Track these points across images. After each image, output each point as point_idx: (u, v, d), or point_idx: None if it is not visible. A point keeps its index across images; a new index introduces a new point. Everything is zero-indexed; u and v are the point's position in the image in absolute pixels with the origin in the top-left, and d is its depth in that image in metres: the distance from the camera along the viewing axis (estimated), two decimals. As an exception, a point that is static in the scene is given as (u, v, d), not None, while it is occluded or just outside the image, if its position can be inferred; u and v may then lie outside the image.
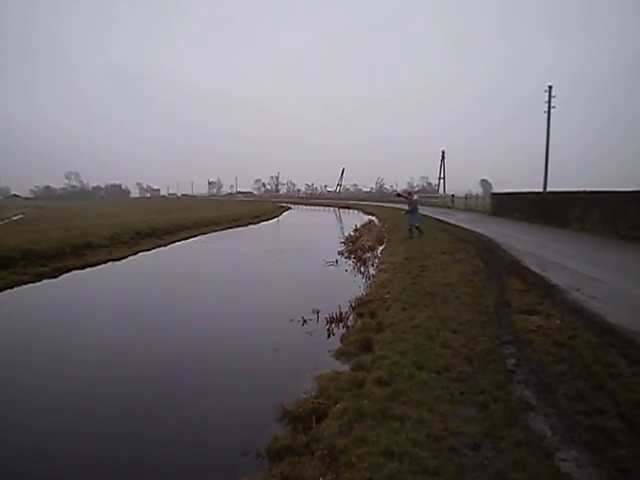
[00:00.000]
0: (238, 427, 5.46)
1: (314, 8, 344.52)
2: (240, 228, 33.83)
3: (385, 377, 5.43)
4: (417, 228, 19.80)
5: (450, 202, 50.55)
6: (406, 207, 20.71)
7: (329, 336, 8.47)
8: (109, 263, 17.21)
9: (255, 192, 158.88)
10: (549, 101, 36.48)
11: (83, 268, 15.85)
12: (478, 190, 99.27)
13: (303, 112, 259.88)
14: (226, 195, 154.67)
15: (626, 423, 4.14)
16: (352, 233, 24.53)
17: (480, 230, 20.80)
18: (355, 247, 19.25)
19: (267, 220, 42.57)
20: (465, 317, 7.56)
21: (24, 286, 13.05)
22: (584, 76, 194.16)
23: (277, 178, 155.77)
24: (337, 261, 16.67)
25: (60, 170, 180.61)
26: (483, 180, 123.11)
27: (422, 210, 28.37)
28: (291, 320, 9.28)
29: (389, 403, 4.73)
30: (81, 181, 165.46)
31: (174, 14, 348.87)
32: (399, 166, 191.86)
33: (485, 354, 5.92)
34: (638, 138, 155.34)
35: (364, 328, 8.04)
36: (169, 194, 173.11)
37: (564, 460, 3.68)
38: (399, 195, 26.15)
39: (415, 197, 21.20)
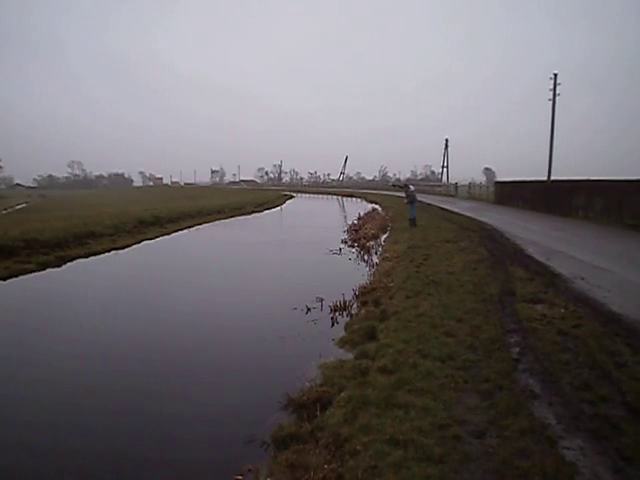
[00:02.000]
0: (243, 415, 5.48)
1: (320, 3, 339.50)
2: (243, 216, 33.81)
3: (389, 365, 5.44)
4: (411, 220, 19.73)
5: (453, 191, 50.37)
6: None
7: (333, 324, 8.48)
8: (112, 252, 17.24)
9: (258, 180, 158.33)
10: (554, 89, 36.10)
11: (87, 257, 15.87)
12: (481, 179, 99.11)
13: (305, 102, 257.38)
14: (229, 184, 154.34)
15: (630, 412, 4.14)
16: (355, 221, 24.52)
17: (483, 219, 20.74)
18: (358, 235, 19.25)
19: (270, 208, 42.57)
20: (469, 306, 7.55)
21: (29, 275, 13.09)
22: (585, 67, 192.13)
23: (280, 167, 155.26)
24: (341, 250, 16.66)
25: (63, 159, 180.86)
26: (487, 169, 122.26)
27: (426, 198, 28.19)
28: (295, 309, 9.30)
29: (394, 391, 4.75)
30: (84, 170, 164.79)
31: (175, 2, 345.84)
32: (403, 154, 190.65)
33: (489, 342, 5.92)
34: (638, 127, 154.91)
35: (368, 316, 8.05)
36: (172, 183, 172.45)
37: (568, 448, 3.69)
38: (394, 185, 25.73)
39: (412, 188, 20.96)
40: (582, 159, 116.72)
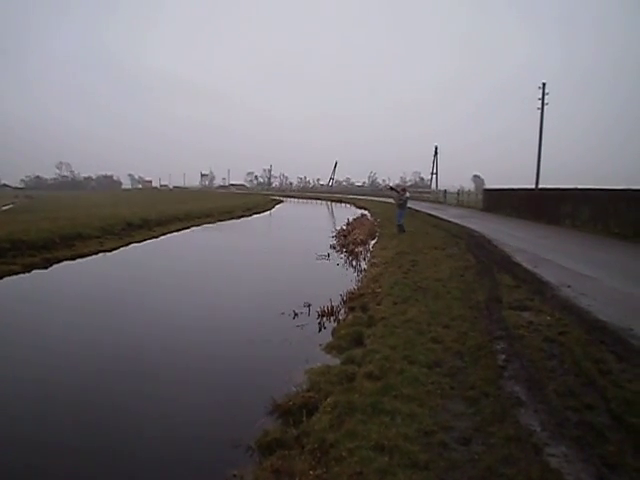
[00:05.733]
0: (228, 421, 5.44)
1: (310, 7, 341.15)
2: (232, 221, 33.73)
3: (376, 371, 5.42)
4: (399, 226, 19.75)
5: (442, 197, 50.70)
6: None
7: (320, 330, 8.46)
8: (100, 254, 17.07)
9: (247, 185, 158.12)
10: (542, 98, 36.59)
11: (74, 259, 15.70)
12: (470, 186, 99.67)
13: (296, 109, 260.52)
14: (218, 187, 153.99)
15: (614, 419, 4.16)
16: (344, 227, 24.53)
17: (472, 226, 20.86)
18: (347, 241, 19.26)
19: (259, 213, 42.54)
20: (456, 312, 7.57)
21: (14, 276, 12.93)
22: (588, 77, 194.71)
23: (270, 171, 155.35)
24: (329, 255, 16.65)
25: (51, 160, 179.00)
26: (475, 176, 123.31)
27: (415, 205, 28.17)
28: (282, 314, 9.25)
29: (380, 397, 4.73)
30: (72, 171, 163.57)
31: (168, 6, 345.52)
32: (392, 161, 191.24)
33: (476, 349, 5.93)
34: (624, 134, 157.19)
35: (355, 322, 8.04)
36: (161, 186, 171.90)
37: (553, 455, 3.70)
38: (392, 189, 25.49)
39: (407, 194, 20.98)
40: (586, 167, 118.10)
